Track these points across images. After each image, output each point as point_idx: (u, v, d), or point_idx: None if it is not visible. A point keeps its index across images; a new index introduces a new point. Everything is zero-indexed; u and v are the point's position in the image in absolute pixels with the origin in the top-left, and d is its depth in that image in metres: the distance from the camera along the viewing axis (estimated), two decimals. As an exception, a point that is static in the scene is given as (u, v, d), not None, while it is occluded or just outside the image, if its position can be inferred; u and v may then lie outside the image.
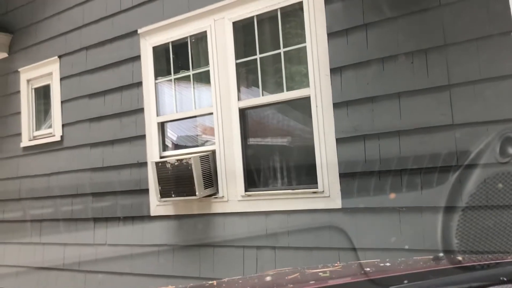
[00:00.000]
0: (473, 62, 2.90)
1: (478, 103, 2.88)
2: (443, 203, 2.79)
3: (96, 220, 4.75)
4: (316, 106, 3.49)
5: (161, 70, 4.42)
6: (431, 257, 1.64)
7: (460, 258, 1.55)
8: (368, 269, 1.64)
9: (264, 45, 3.84)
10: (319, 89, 3.48)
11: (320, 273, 1.58)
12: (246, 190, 3.79)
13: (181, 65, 4.31)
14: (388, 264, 1.73)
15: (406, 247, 2.95)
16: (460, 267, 1.48)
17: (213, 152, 3.99)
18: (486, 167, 2.51)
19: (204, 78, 4.15)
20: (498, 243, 1.55)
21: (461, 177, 2.87)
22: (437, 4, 3.03)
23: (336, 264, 1.76)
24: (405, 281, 1.37)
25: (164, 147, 4.38)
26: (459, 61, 2.96)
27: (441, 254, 1.65)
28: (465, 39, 2.93)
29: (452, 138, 2.95)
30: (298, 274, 1.65)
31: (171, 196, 3.98)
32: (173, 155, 4.24)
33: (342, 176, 3.34)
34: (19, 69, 5.60)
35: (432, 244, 2.71)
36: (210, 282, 1.62)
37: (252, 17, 3.84)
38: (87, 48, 4.93)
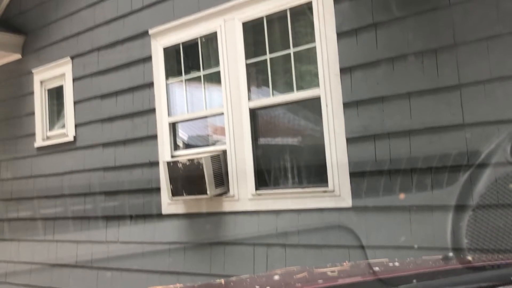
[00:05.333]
0: (483, 61, 2.88)
1: (489, 103, 2.87)
2: (454, 202, 2.80)
3: (108, 218, 4.80)
4: (326, 106, 3.49)
5: (172, 71, 4.46)
6: (441, 256, 1.63)
7: (469, 258, 1.55)
8: (376, 268, 1.64)
9: (274, 45, 3.85)
10: (329, 89, 3.49)
11: (328, 272, 1.60)
12: (256, 189, 3.81)
13: (192, 66, 4.34)
14: (397, 263, 1.73)
15: (416, 246, 2.95)
16: (470, 267, 1.48)
17: (224, 151, 4.02)
18: (496, 167, 2.51)
19: (214, 79, 4.18)
20: (509, 243, 1.55)
21: (471, 177, 2.87)
22: (447, 3, 3.02)
23: (344, 264, 1.77)
24: (414, 281, 1.36)
25: (176, 147, 4.41)
26: (469, 61, 2.94)
27: (450, 254, 1.65)
28: (475, 39, 2.92)
29: (463, 138, 2.94)
30: (306, 273, 1.66)
31: (182, 195, 4.02)
32: (184, 154, 4.27)
33: (352, 175, 3.34)
34: (32, 70, 5.67)
35: (442, 243, 2.71)
36: (218, 280, 1.64)
37: (261, 18, 3.85)
38: (98, 49, 4.97)
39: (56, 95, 5.55)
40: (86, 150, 5.05)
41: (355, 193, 3.32)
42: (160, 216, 4.39)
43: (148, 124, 4.52)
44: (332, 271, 1.59)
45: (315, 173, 3.65)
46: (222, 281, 1.64)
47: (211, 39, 4.21)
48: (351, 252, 3.23)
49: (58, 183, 5.29)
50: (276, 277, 1.66)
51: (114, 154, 4.79)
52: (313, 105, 3.61)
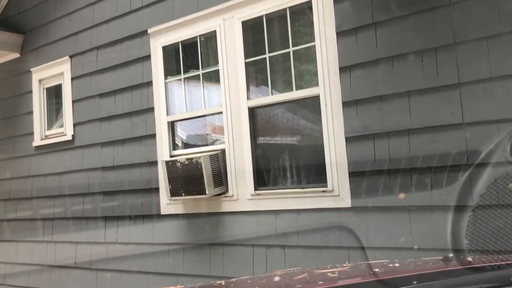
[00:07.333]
0: (483, 60, 2.87)
1: (489, 102, 2.86)
2: (454, 202, 2.78)
3: (107, 218, 4.79)
4: (326, 105, 3.48)
5: (171, 70, 4.44)
6: (441, 257, 1.63)
7: (470, 259, 1.54)
8: (377, 269, 1.64)
9: (273, 44, 3.84)
10: (328, 88, 3.48)
11: (328, 274, 1.59)
12: (255, 189, 3.80)
13: (191, 65, 4.32)
14: (397, 264, 1.72)
15: (416, 247, 2.94)
16: (470, 268, 1.47)
17: (223, 151, 4.01)
18: (496, 167, 2.50)
19: (213, 78, 4.16)
20: (509, 244, 1.54)
21: (471, 176, 2.86)
22: (447, 2, 3.01)
23: (344, 265, 1.76)
24: (414, 282, 1.36)
25: (174, 146, 4.40)
26: (469, 60, 2.93)
27: (450, 255, 1.64)
28: (475, 38, 2.91)
29: (462, 137, 2.93)
30: (306, 274, 1.65)
31: (181, 195, 4.00)
32: (183, 154, 4.25)
33: (352, 175, 3.33)
34: (31, 69, 5.65)
35: (442, 243, 2.70)
36: (218, 282, 1.63)
37: (261, 17, 3.84)
38: (97, 48, 4.96)
39: (54, 94, 5.54)
40: (84, 150, 5.04)
41: (354, 193, 3.31)
42: (159, 216, 4.38)
43: (147, 123, 4.51)
44: (332, 272, 1.58)
45: (314, 172, 3.64)
46: (223, 282, 1.63)
47: (210, 38, 4.20)
48: (351, 253, 3.22)
49: (57, 183, 5.27)
50: (277, 279, 1.65)
51: (112, 154, 4.77)
52: (312, 104, 3.60)
